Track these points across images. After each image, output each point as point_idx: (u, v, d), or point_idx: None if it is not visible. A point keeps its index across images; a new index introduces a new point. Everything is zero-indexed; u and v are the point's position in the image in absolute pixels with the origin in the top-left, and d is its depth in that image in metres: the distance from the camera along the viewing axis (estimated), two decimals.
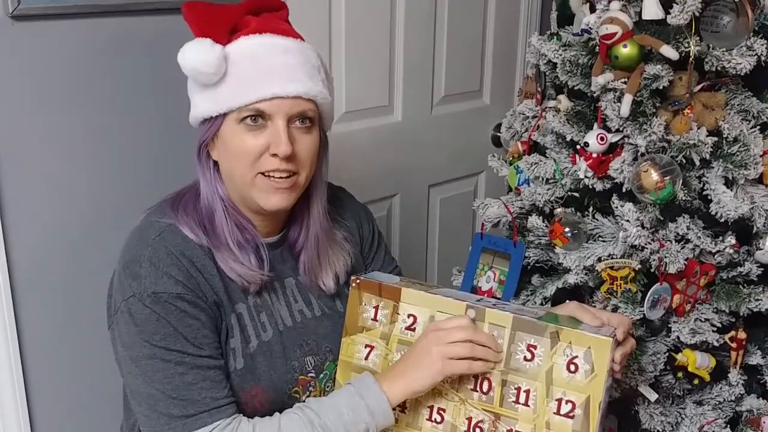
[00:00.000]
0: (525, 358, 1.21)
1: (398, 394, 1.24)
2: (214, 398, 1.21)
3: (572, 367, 1.18)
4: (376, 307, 1.31)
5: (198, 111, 1.26)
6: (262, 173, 1.24)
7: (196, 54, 1.20)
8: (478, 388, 1.24)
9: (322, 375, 1.37)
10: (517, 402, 1.22)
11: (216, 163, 1.30)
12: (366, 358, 1.32)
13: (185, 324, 1.20)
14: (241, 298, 1.29)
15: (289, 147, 1.22)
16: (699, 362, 1.59)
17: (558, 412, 1.19)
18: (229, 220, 1.28)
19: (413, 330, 1.28)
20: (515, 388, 1.22)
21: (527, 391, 1.21)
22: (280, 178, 1.24)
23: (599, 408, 1.17)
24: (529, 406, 1.21)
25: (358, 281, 1.33)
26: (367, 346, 1.32)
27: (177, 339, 1.19)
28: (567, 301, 1.58)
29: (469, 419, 1.25)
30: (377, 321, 1.31)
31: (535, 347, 1.20)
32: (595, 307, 1.59)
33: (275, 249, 1.36)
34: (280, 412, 1.27)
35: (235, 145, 1.23)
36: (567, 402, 1.18)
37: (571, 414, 1.18)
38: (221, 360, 1.25)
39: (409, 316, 1.29)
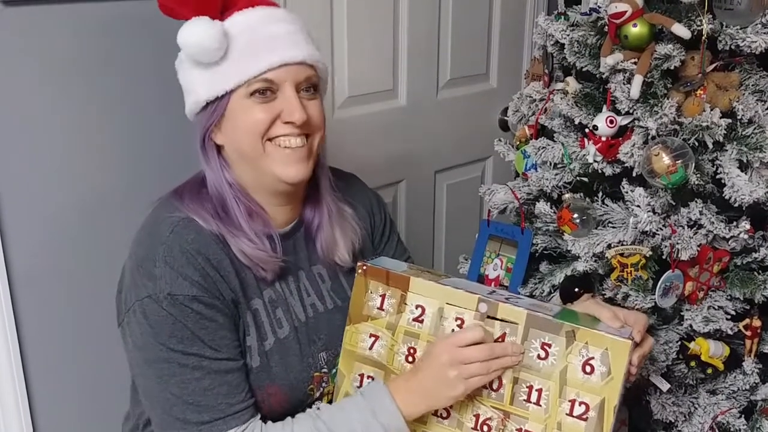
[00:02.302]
0: (538, 357, 1.17)
1: (417, 413, 1.22)
2: (230, 404, 1.19)
3: (588, 368, 1.14)
4: (383, 296, 1.27)
5: (200, 96, 1.24)
6: (271, 139, 1.23)
7: (199, 31, 1.19)
8: (487, 385, 1.21)
9: (335, 370, 1.35)
10: (528, 401, 1.18)
11: (219, 149, 1.28)
12: (370, 348, 1.28)
13: (202, 326, 1.18)
14: (256, 293, 1.27)
15: (303, 113, 1.22)
16: (712, 351, 1.57)
17: (571, 414, 1.15)
18: (240, 206, 1.27)
19: (421, 321, 1.24)
20: (527, 387, 1.18)
21: (539, 390, 1.17)
22: (297, 147, 1.24)
23: (614, 412, 1.13)
24: (540, 405, 1.17)
25: (364, 267, 1.29)
26: (371, 335, 1.28)
27: (194, 342, 1.17)
28: (576, 289, 1.56)
29: (477, 416, 1.22)
30: (383, 310, 1.27)
31: (549, 346, 1.16)
32: (605, 295, 1.57)
33: (288, 239, 1.34)
34: (294, 413, 1.26)
35: (245, 120, 1.22)
36: (581, 404, 1.15)
37: (584, 416, 1.15)
38: (240, 361, 1.23)
39: (417, 306, 1.25)
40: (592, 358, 1.14)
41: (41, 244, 1.56)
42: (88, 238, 1.61)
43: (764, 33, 1.42)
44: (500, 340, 1.18)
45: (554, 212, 1.63)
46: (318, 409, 1.26)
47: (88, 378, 1.68)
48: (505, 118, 2.33)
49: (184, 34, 1.19)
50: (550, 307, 1.22)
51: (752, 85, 1.52)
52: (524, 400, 1.18)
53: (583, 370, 1.14)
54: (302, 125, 1.23)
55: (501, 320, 1.19)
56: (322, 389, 1.34)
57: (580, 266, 1.57)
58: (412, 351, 1.25)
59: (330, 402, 1.33)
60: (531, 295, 1.69)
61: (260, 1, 1.26)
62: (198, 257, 1.20)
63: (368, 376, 1.28)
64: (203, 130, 1.26)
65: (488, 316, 1.19)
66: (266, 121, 1.22)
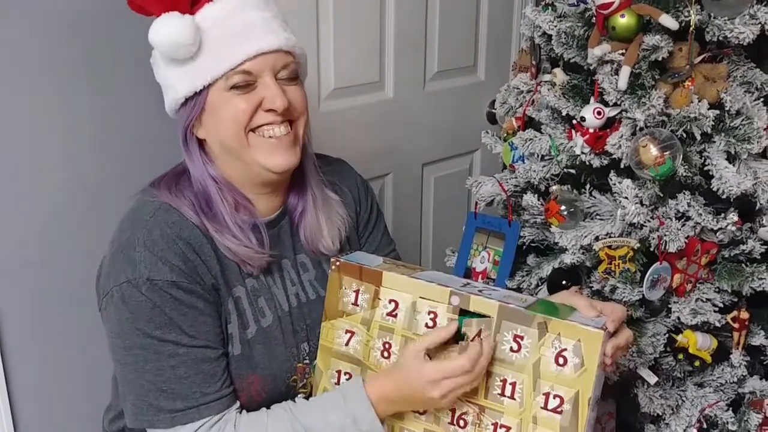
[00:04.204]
0: (511, 349, 1.15)
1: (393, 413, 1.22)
2: (204, 393, 1.19)
3: (561, 360, 1.12)
4: (357, 291, 1.26)
5: (179, 93, 1.22)
6: (254, 130, 1.22)
7: (170, 27, 1.17)
8: None
9: (315, 362, 1.33)
10: (502, 395, 1.17)
11: (201, 143, 1.27)
12: (347, 344, 1.27)
13: (181, 312, 1.17)
14: (239, 281, 1.26)
15: (284, 100, 1.21)
16: (700, 343, 1.56)
17: (545, 407, 1.14)
18: (225, 200, 1.26)
19: (395, 316, 1.23)
20: (501, 380, 1.17)
21: (513, 384, 1.16)
22: (281, 135, 1.23)
23: (589, 404, 1.11)
24: (515, 399, 1.16)
25: (338, 263, 1.28)
26: (347, 331, 1.27)
27: (172, 328, 1.16)
28: (564, 281, 1.55)
29: (453, 410, 1.20)
30: (358, 306, 1.26)
31: (522, 338, 1.14)
32: (592, 287, 1.56)
33: (272, 228, 1.33)
34: (271, 404, 1.25)
35: (227, 112, 1.21)
36: (555, 396, 1.13)
37: (558, 409, 1.13)
38: (219, 349, 1.22)
39: (390, 301, 1.23)
40: (565, 349, 1.12)
41: (21, 238, 1.54)
42: (67, 232, 1.60)
43: (752, 24, 1.41)
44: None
45: (542, 204, 1.63)
46: (294, 403, 1.24)
47: (68, 371, 1.67)
48: (493, 110, 2.31)
49: (155, 32, 1.18)
50: (524, 298, 1.20)
51: (740, 77, 1.51)
52: (498, 393, 1.17)
53: (556, 362, 1.12)
54: (284, 112, 1.22)
55: (478, 315, 1.17)
56: (305, 380, 1.33)
57: (568, 259, 1.56)
58: (387, 346, 1.24)
59: (309, 395, 1.32)
60: (518, 288, 1.68)
61: None
62: (178, 241, 1.19)
63: (345, 373, 1.28)
64: (184, 125, 1.25)
65: (461, 309, 1.18)
66: (248, 111, 1.21)
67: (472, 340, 1.15)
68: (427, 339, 1.17)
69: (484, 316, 1.17)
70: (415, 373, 1.15)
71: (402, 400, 1.19)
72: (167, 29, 1.17)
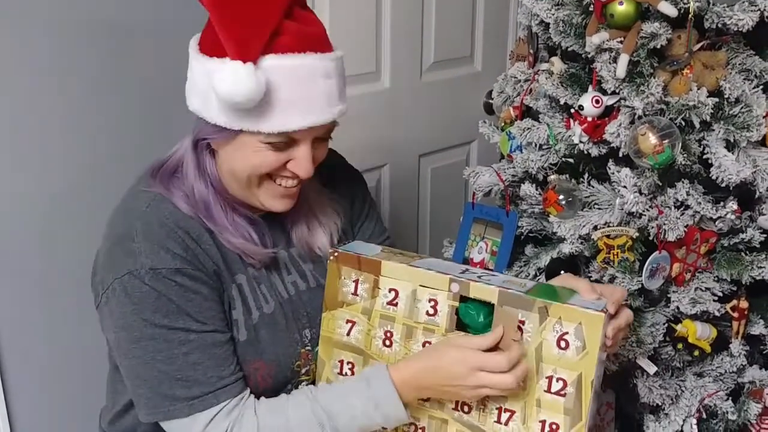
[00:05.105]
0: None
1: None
2: (220, 377, 1.18)
3: (562, 344, 1.12)
4: (356, 281, 1.26)
5: (211, 114, 1.15)
6: (271, 176, 1.21)
7: (241, 86, 1.08)
8: None
9: (317, 349, 1.33)
10: None
11: (212, 150, 1.23)
12: (348, 334, 1.27)
13: (187, 299, 1.16)
14: (240, 269, 1.26)
15: (310, 170, 1.20)
16: (699, 333, 1.56)
17: (549, 390, 1.14)
18: (225, 204, 1.25)
19: (395, 305, 1.23)
20: None
21: None
22: (291, 186, 1.23)
23: (592, 386, 1.12)
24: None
25: (336, 254, 1.27)
26: (348, 321, 1.27)
27: (179, 316, 1.15)
28: (562, 272, 1.54)
29: None
30: (357, 295, 1.26)
31: (523, 323, 1.14)
32: (591, 277, 1.56)
33: (268, 220, 1.32)
34: (283, 388, 1.25)
35: (252, 158, 1.18)
36: (558, 380, 1.13)
37: (562, 392, 1.13)
38: (227, 333, 1.22)
39: (390, 290, 1.23)
40: (567, 333, 1.12)
41: (21, 238, 1.53)
42: (67, 232, 1.59)
43: (751, 11, 1.40)
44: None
45: (540, 194, 1.62)
46: (315, 387, 1.24)
47: (67, 372, 1.66)
48: (490, 101, 2.31)
49: (222, 82, 1.09)
50: (523, 283, 1.20)
51: (739, 64, 1.50)
52: None
53: (558, 345, 1.13)
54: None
55: (479, 302, 1.16)
56: (309, 366, 1.33)
57: (566, 248, 1.55)
58: (388, 335, 1.24)
59: (312, 382, 1.32)
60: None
61: (309, 42, 1.15)
62: (177, 230, 1.18)
63: (348, 362, 1.28)
64: (200, 137, 1.21)
65: (462, 296, 1.18)
66: (273, 165, 1.18)
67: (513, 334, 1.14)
68: (474, 341, 1.15)
69: (485, 302, 1.16)
70: (457, 357, 1.14)
71: (430, 387, 1.18)
72: (236, 88, 1.08)
